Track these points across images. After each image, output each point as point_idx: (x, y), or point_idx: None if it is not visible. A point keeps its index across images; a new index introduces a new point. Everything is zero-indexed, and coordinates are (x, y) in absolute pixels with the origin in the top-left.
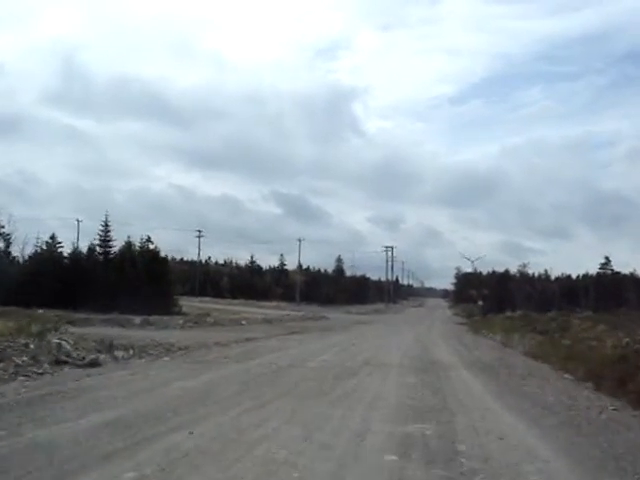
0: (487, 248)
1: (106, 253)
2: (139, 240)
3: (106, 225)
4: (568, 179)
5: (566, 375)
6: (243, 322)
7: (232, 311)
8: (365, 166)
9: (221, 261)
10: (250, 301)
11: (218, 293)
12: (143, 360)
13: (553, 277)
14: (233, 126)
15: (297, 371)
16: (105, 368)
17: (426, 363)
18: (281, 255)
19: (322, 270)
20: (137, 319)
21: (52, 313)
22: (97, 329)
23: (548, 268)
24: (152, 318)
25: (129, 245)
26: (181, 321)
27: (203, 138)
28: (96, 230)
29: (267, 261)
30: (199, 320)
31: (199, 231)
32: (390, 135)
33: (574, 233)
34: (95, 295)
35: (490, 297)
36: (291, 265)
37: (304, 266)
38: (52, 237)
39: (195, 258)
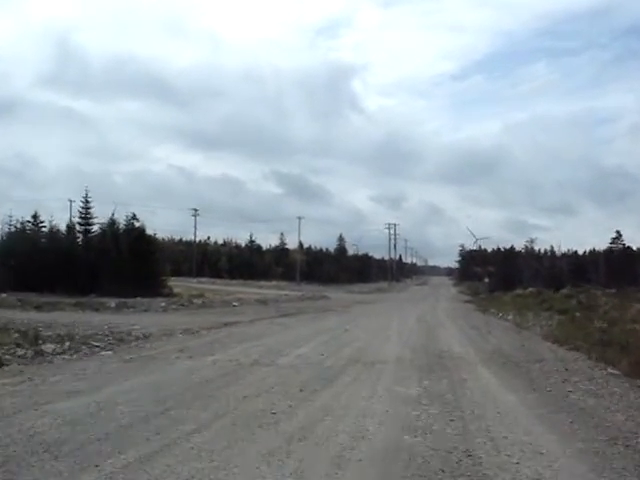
0: (491, 226)
1: (86, 232)
2: (125, 218)
3: (86, 201)
4: (572, 155)
5: (610, 370)
6: (235, 303)
7: (227, 292)
8: (367, 144)
9: (221, 241)
10: (249, 281)
11: (216, 273)
12: (74, 356)
13: (559, 254)
14: (232, 105)
15: (256, 375)
16: None
17: (432, 356)
18: (281, 234)
19: (324, 249)
20: (113, 302)
21: (16, 297)
22: (64, 314)
23: (554, 244)
24: (132, 301)
25: (112, 223)
26: (164, 303)
27: (202, 118)
28: (97, 212)
29: (269, 241)
30: (187, 302)
31: (195, 210)
32: (392, 113)
33: (579, 209)
34: (74, 277)
35: (496, 274)
36: (292, 244)
37: (306, 246)
38: (34, 216)
39: (199, 237)
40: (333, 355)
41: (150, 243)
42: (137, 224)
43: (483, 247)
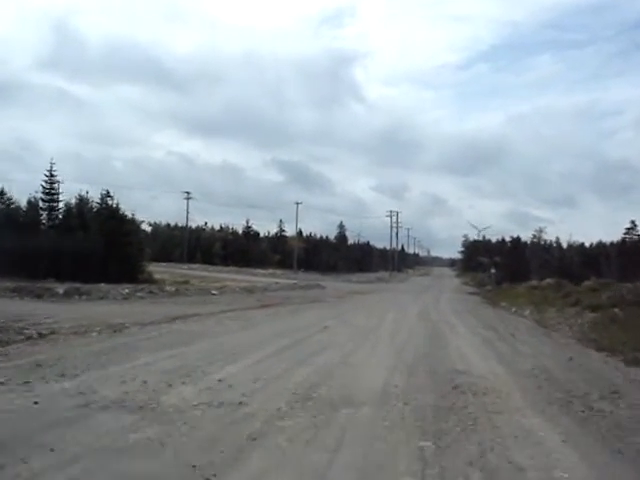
0: (494, 217)
1: (51, 209)
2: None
3: (51, 175)
4: (576, 147)
5: None
6: (214, 292)
7: (215, 279)
8: (368, 133)
9: (217, 227)
10: (244, 269)
11: (210, 260)
12: None
13: (565, 245)
14: (233, 92)
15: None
16: None
17: (441, 385)
18: (280, 221)
19: (323, 237)
20: (62, 288)
21: None
22: None
23: (560, 236)
24: (88, 287)
25: (80, 200)
26: (127, 290)
27: (202, 104)
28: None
29: (270, 229)
30: (157, 289)
31: (187, 193)
32: (395, 102)
33: (582, 202)
34: (33, 258)
35: (503, 265)
36: (292, 232)
37: (307, 234)
38: (0, 192)
39: (197, 224)
40: (275, 381)
41: (123, 223)
42: (112, 203)
43: (487, 237)
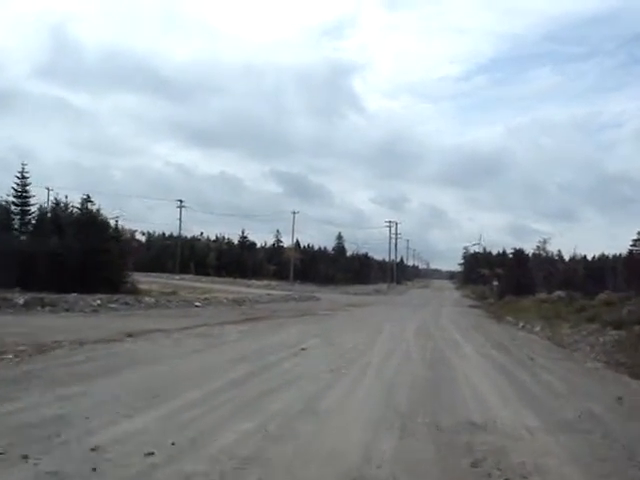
0: (493, 230)
1: (23, 213)
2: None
3: (22, 177)
4: (575, 160)
5: None
6: (197, 303)
7: (205, 290)
8: (368, 145)
9: (211, 236)
10: (239, 279)
11: (202, 270)
12: None
13: (567, 258)
14: (232, 102)
15: None
16: None
17: (454, 459)
18: (277, 231)
19: (322, 248)
20: (22, 298)
21: None
22: None
23: (560, 249)
24: (55, 297)
25: (57, 205)
26: (99, 302)
27: (201, 114)
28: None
29: (268, 240)
30: (134, 300)
31: (180, 201)
32: (394, 114)
33: (581, 215)
34: (4, 268)
35: (506, 277)
36: (290, 243)
37: (305, 246)
38: None
39: (193, 234)
40: (179, 457)
41: (103, 230)
42: (92, 208)
43: (488, 250)
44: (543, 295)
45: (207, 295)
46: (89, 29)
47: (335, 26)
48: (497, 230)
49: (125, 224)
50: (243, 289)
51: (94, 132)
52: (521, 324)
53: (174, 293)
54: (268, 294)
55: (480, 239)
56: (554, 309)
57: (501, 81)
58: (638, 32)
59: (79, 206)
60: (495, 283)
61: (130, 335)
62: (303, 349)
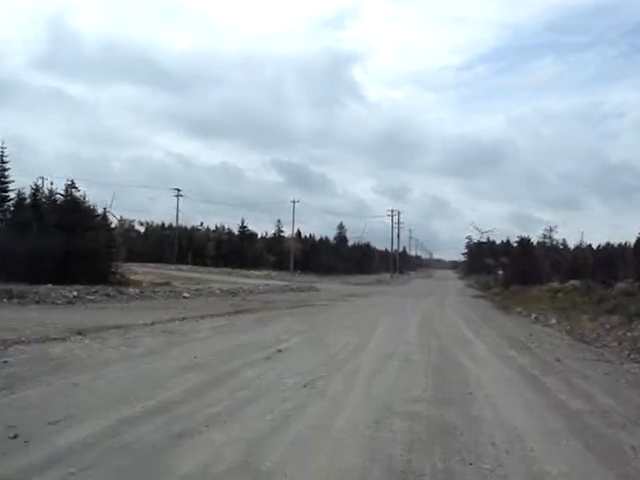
0: (496, 219)
1: (1, 200)
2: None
3: (1, 161)
4: (578, 149)
5: None
6: (186, 294)
7: (200, 280)
8: (369, 135)
9: (212, 227)
10: (237, 270)
11: (200, 261)
12: None
13: (572, 247)
14: (232, 92)
15: None
16: None
17: None
18: (278, 221)
19: (323, 238)
20: None
21: None
22: None
23: (562, 238)
24: (23, 288)
25: (36, 191)
26: (75, 293)
27: (201, 104)
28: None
29: (270, 231)
30: (115, 292)
31: (177, 190)
32: (396, 104)
33: (584, 204)
34: None
35: (511, 266)
36: (291, 233)
37: (307, 236)
38: None
39: (197, 225)
40: None
41: (88, 217)
42: (77, 194)
43: (492, 239)
44: (555, 284)
45: (200, 286)
46: (87, 20)
47: (336, 16)
48: (500, 219)
49: (125, 214)
50: (241, 279)
51: (93, 123)
52: (533, 316)
53: (167, 284)
54: (265, 284)
55: (482, 232)
56: (569, 299)
57: (503, 71)
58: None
59: (63, 192)
60: (500, 272)
61: (80, 333)
62: (279, 350)
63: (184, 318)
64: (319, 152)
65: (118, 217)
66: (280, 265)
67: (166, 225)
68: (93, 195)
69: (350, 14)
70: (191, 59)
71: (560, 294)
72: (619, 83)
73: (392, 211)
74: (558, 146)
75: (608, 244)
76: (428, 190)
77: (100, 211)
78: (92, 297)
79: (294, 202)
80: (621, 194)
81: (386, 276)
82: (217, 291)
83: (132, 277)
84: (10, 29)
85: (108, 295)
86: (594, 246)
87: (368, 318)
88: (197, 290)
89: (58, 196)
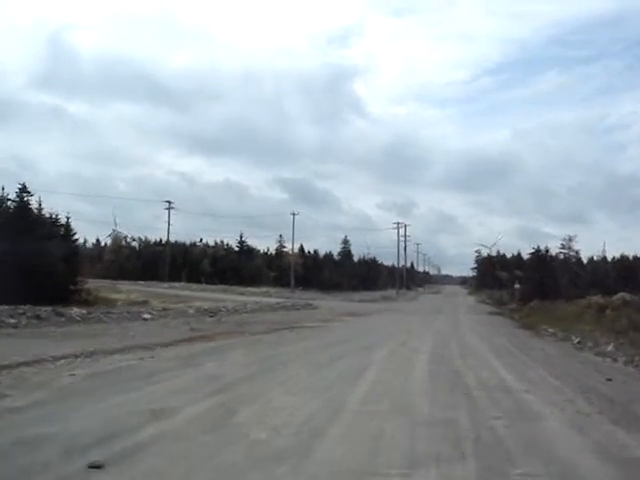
0: (503, 234)
1: None
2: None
3: None
4: (584, 163)
5: None
6: (146, 316)
7: (185, 298)
8: (374, 151)
9: (212, 243)
10: (234, 287)
11: (195, 278)
12: None
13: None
14: (235, 109)
15: None
16: None
17: None
18: (280, 236)
19: (327, 253)
20: None
21: None
22: None
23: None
24: None
25: None
26: None
27: (203, 122)
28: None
29: (275, 248)
30: (53, 314)
31: (169, 202)
32: (401, 120)
33: (592, 218)
34: None
35: (528, 280)
36: (295, 249)
37: (309, 251)
38: None
39: (197, 241)
40: None
41: (38, 226)
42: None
43: (502, 252)
44: (597, 298)
45: (178, 305)
46: (88, 38)
47: (341, 34)
48: (508, 234)
49: (132, 233)
50: (234, 297)
51: (95, 142)
52: (576, 339)
53: (145, 303)
54: (256, 302)
55: (489, 247)
56: (625, 317)
57: (508, 85)
58: None
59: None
60: (517, 286)
61: None
62: (98, 467)
63: (92, 353)
64: (323, 168)
65: (114, 233)
66: (280, 282)
67: (164, 241)
68: (98, 214)
69: (354, 31)
70: (192, 76)
71: (609, 310)
72: (624, 95)
73: (398, 224)
74: (565, 159)
75: (622, 256)
76: (434, 205)
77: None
78: (13, 320)
79: (294, 214)
80: (629, 207)
81: (392, 292)
82: (191, 311)
83: (113, 296)
84: (9, 47)
85: (38, 317)
86: (608, 259)
87: (359, 350)
88: (164, 310)
89: (12, 202)
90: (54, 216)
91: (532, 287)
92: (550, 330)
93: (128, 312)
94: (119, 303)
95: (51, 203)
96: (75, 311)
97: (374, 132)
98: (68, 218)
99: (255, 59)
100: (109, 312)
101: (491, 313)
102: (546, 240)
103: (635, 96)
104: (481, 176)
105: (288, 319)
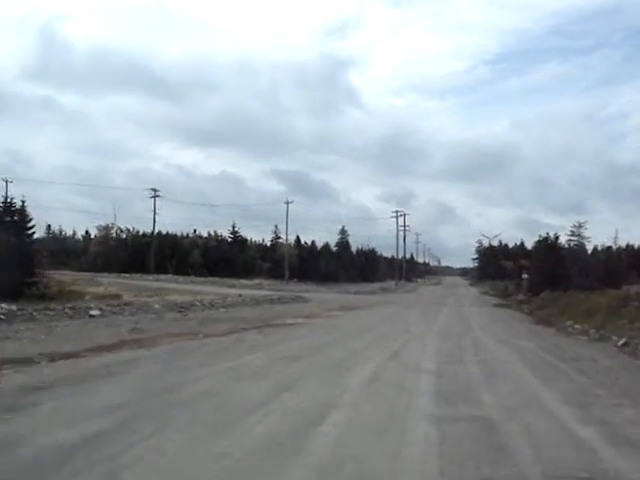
0: (503, 225)
1: None
2: None
3: None
4: (584, 153)
5: None
6: (94, 313)
7: (167, 291)
8: (372, 142)
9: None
10: (226, 279)
11: (183, 270)
12: None
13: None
14: (232, 102)
15: None
16: None
17: None
18: (275, 226)
19: (327, 245)
20: None
21: None
22: None
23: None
24: None
25: None
26: None
27: (199, 113)
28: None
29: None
30: None
31: (154, 190)
32: (400, 111)
33: (592, 208)
34: None
35: (536, 269)
36: (291, 240)
37: (306, 242)
38: None
39: (190, 232)
40: None
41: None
42: None
43: (504, 242)
44: (637, 289)
45: (145, 298)
46: (80, 28)
47: (339, 26)
48: (507, 225)
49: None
50: (221, 290)
51: (90, 134)
52: (620, 340)
53: (117, 296)
54: (241, 295)
55: (490, 239)
56: None
57: (507, 75)
58: None
59: None
60: (525, 276)
61: None
62: None
63: None
64: (321, 160)
65: (104, 224)
66: (275, 273)
67: (171, 233)
68: (92, 207)
69: (352, 22)
70: (188, 67)
71: None
72: (623, 85)
73: (397, 212)
74: (564, 150)
75: (628, 245)
76: (434, 197)
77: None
78: None
79: (287, 202)
80: (629, 197)
81: (391, 284)
82: (157, 306)
83: (89, 289)
84: (2, 40)
85: None
86: (620, 247)
87: (328, 370)
88: (125, 305)
89: None
90: (8, 201)
91: (541, 277)
92: (577, 327)
93: (72, 308)
94: (87, 297)
95: (46, 196)
96: (2, 307)
97: (372, 123)
98: (24, 202)
99: (252, 50)
100: (47, 308)
101: (497, 305)
102: (545, 231)
103: (634, 86)
104: (480, 167)
105: (267, 315)
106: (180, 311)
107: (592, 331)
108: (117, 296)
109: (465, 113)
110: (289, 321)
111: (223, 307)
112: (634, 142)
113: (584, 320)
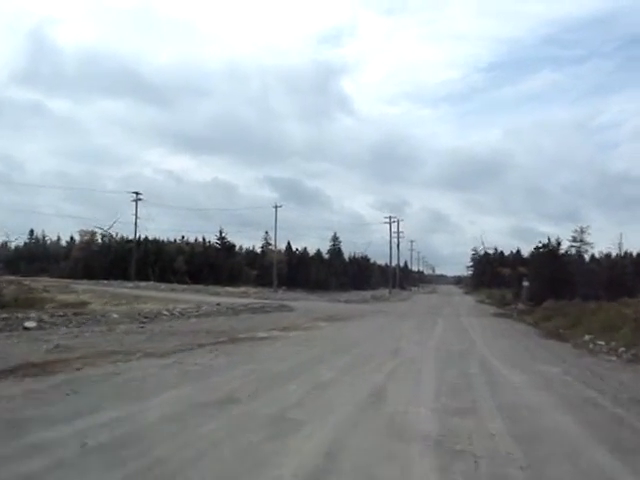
0: (497, 233)
1: None
2: None
3: None
4: (577, 161)
5: None
6: (28, 325)
7: (139, 299)
8: (367, 150)
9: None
10: (211, 287)
11: (165, 277)
12: None
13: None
14: (224, 108)
15: None
16: None
17: None
18: (266, 232)
19: (318, 251)
20: None
21: None
22: None
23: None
24: None
25: None
26: None
27: (189, 119)
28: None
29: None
30: None
31: (136, 193)
32: (394, 119)
33: (586, 216)
34: None
35: (538, 277)
36: (282, 247)
37: (297, 249)
38: None
39: (193, 240)
40: None
41: None
42: None
43: (499, 250)
44: None
45: (113, 307)
46: (70, 33)
47: (333, 34)
48: (502, 233)
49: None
50: (203, 298)
51: (79, 140)
52: None
53: (84, 305)
54: (218, 304)
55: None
56: None
57: (500, 84)
58: (635, 33)
59: None
60: (526, 284)
61: None
62: None
63: None
64: (314, 167)
65: (87, 229)
66: (263, 281)
67: (152, 238)
68: (87, 214)
69: (346, 30)
70: (178, 72)
71: None
72: (616, 94)
73: (390, 218)
74: (558, 158)
75: (626, 253)
76: (427, 205)
77: None
78: None
79: (276, 207)
80: (623, 204)
81: (384, 292)
82: (115, 315)
83: (59, 297)
84: None
85: None
86: (622, 254)
87: (269, 422)
88: (75, 315)
89: None
90: None
91: (542, 285)
92: (599, 343)
93: (6, 319)
94: (48, 305)
95: (36, 201)
96: None
97: (366, 131)
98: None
99: (243, 56)
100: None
101: (497, 315)
102: (539, 239)
103: (626, 95)
104: (474, 175)
105: (240, 326)
106: (142, 322)
107: (621, 349)
108: (84, 304)
109: (458, 121)
110: (261, 334)
111: (195, 317)
112: (627, 150)
113: (605, 335)
